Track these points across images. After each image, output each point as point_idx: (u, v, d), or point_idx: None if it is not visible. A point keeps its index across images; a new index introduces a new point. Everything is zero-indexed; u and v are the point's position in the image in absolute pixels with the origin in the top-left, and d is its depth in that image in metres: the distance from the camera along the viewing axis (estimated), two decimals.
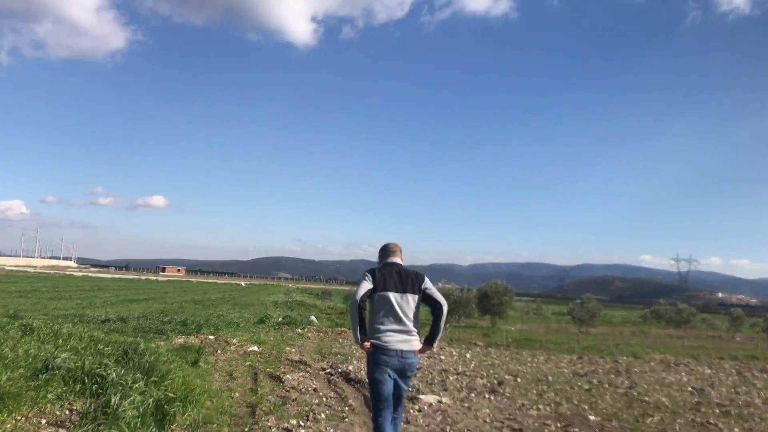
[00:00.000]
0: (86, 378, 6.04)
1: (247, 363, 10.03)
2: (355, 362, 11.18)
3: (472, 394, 9.58)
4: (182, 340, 11.53)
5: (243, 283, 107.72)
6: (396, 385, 4.88)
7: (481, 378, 11.52)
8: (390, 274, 4.98)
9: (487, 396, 9.59)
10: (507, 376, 12.14)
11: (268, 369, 9.66)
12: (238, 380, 8.63)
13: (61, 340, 7.69)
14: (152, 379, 6.65)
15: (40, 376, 5.80)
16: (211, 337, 12.24)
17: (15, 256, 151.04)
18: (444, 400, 8.74)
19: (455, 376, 11.29)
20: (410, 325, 4.89)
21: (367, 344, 4.85)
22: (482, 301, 31.12)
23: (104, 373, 6.14)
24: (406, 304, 4.90)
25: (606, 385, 11.88)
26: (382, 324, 4.86)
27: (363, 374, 10.34)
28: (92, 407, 5.34)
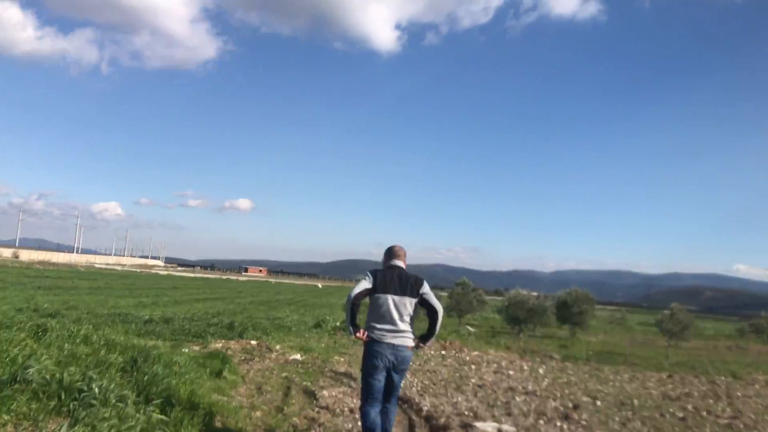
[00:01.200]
0: (63, 393, 5.07)
1: (284, 374, 8.94)
2: (408, 377, 9.90)
3: (541, 421, 8.08)
4: (220, 345, 10.60)
5: (320, 285, 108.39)
6: (389, 378, 5.16)
7: (554, 400, 9.96)
8: (391, 277, 5.22)
9: (558, 424, 8.06)
10: (584, 398, 10.53)
11: (305, 382, 8.54)
12: (266, 395, 7.54)
13: (55, 348, 6.79)
14: (148, 394, 5.63)
15: (3, 389, 4.85)
16: (253, 342, 11.27)
17: (107, 254, 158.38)
18: (505, 428, 7.33)
19: (523, 397, 9.80)
20: (404, 327, 5.13)
21: (361, 334, 5.16)
22: (561, 309, 29.09)
23: (85, 388, 5.15)
24: (403, 306, 5.13)
25: (704, 414, 10.02)
26: (377, 323, 5.14)
27: (414, 391, 9.05)
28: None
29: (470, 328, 29.69)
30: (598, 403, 10.17)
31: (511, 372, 12.70)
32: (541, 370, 13.74)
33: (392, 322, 5.08)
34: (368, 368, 5.11)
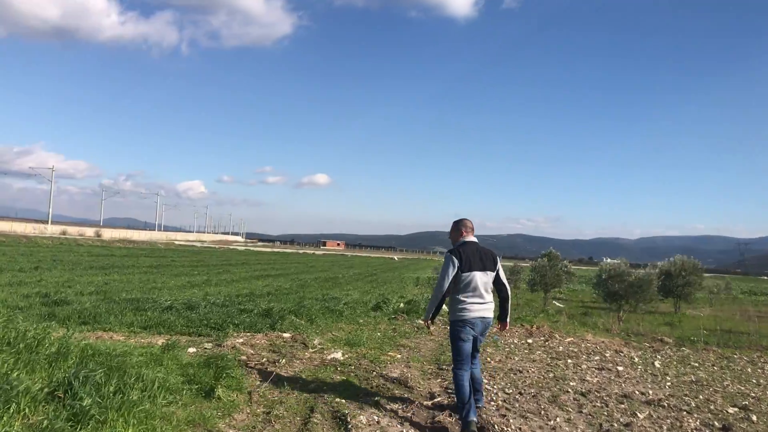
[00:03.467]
0: None
1: (311, 386, 6.51)
2: (486, 382, 7.29)
3: None
4: (240, 340, 8.29)
5: (396, 258, 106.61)
6: (475, 341, 5.72)
7: (690, 414, 7.12)
8: (473, 253, 5.60)
9: None
10: (730, 409, 7.60)
11: (337, 399, 6.07)
12: (274, 425, 5.14)
13: None
14: None
15: None
16: (286, 335, 8.90)
17: (190, 231, 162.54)
18: None
19: (646, 411, 7.01)
20: (489, 298, 5.68)
21: (429, 324, 6.01)
22: (664, 281, 25.47)
23: None
24: (488, 279, 5.63)
25: None
26: (468, 297, 5.54)
27: (492, 409, 6.42)
28: None
29: (558, 304, 26.59)
30: (754, 417, 7.25)
31: (619, 368, 9.82)
32: (657, 363, 10.74)
33: (481, 295, 5.57)
34: (461, 337, 5.55)
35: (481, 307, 5.51)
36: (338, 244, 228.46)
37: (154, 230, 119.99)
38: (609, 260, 25.09)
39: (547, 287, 26.79)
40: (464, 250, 5.54)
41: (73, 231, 79.79)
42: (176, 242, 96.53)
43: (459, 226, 5.81)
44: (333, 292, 18.12)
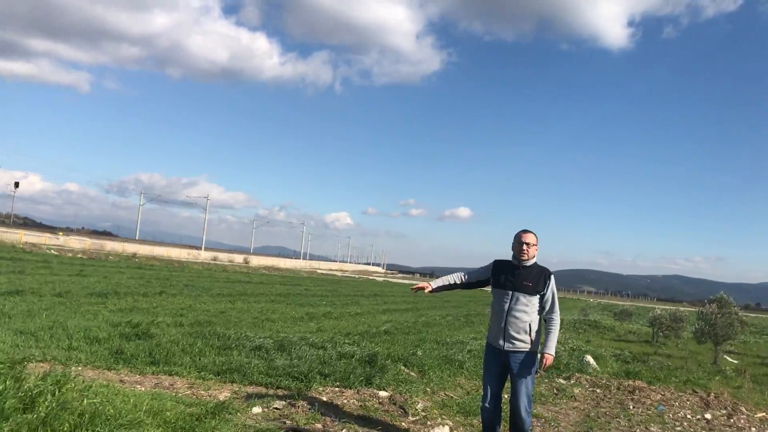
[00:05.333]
0: None
1: None
2: None
3: None
4: (326, 396, 6.57)
5: None
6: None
7: None
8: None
9: None
10: None
11: None
12: None
13: None
14: None
15: None
16: (383, 393, 7.04)
17: (333, 261, 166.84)
18: None
19: None
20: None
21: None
22: None
23: None
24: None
25: None
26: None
27: None
28: None
29: (730, 359, 22.52)
30: None
31: None
32: None
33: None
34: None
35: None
36: None
37: (300, 259, 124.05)
38: None
39: (718, 339, 22.77)
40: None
41: (223, 257, 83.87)
42: (318, 271, 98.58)
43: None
44: (460, 334, 16.06)
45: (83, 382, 4.98)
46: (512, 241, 5.29)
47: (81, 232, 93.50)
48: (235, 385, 6.96)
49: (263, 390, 6.84)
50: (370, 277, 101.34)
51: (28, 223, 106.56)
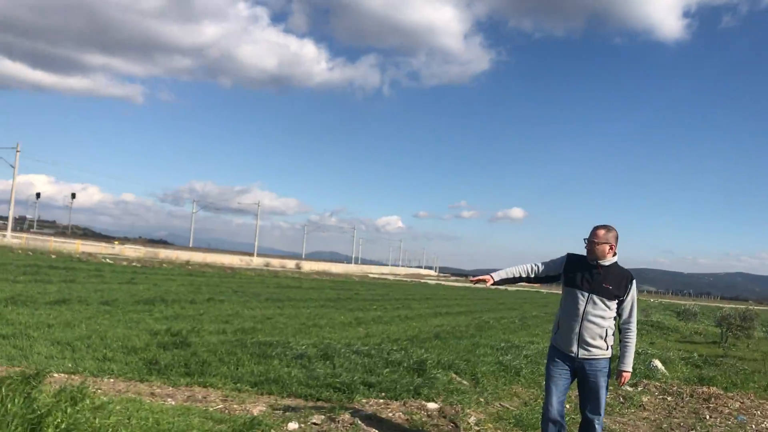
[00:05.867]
0: None
1: None
2: None
3: None
4: (370, 409, 6.01)
5: None
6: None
7: None
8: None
9: None
10: None
11: None
12: None
13: None
14: None
15: None
16: (432, 405, 6.43)
17: (384, 265, 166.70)
18: None
19: None
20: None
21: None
22: None
23: None
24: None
25: None
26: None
27: None
28: None
29: None
30: None
31: None
32: None
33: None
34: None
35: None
36: None
37: (355, 263, 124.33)
38: None
39: None
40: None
41: (275, 263, 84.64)
42: (370, 275, 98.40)
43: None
44: (516, 338, 15.30)
45: (102, 398, 4.58)
46: None
47: (137, 241, 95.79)
48: (272, 397, 6.48)
49: (302, 402, 6.34)
50: (422, 281, 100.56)
51: (87, 234, 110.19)
